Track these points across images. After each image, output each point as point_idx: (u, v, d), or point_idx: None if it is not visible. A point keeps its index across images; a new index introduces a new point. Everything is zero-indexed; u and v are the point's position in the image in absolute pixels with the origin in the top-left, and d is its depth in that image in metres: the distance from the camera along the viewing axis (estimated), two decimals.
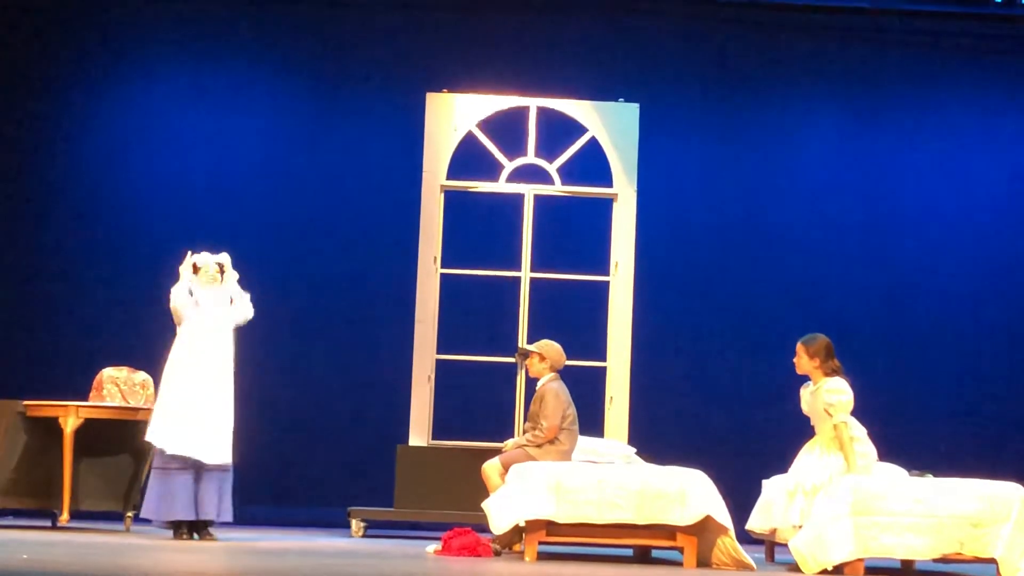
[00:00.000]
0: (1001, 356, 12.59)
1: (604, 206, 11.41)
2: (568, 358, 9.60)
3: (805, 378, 9.14)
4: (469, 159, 11.36)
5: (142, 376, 10.32)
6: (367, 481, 11.58)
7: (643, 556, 9.32)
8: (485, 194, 11.46)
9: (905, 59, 12.77)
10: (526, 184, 11.35)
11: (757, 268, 12.53)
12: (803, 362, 9.00)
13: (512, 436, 10.18)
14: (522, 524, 8.63)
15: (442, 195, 11.25)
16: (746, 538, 9.07)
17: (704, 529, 8.58)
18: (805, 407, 9.10)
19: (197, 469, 9.19)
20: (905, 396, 12.31)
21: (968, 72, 12.77)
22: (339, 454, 12.07)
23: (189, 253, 9.54)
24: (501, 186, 11.37)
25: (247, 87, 12.56)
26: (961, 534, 8.33)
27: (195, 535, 9.25)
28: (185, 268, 9.48)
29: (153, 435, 9.26)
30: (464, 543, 8.84)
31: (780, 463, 9.21)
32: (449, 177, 11.26)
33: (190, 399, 9.22)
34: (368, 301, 12.32)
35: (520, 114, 11.39)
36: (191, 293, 9.40)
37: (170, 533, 9.36)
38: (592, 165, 11.39)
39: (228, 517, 9.30)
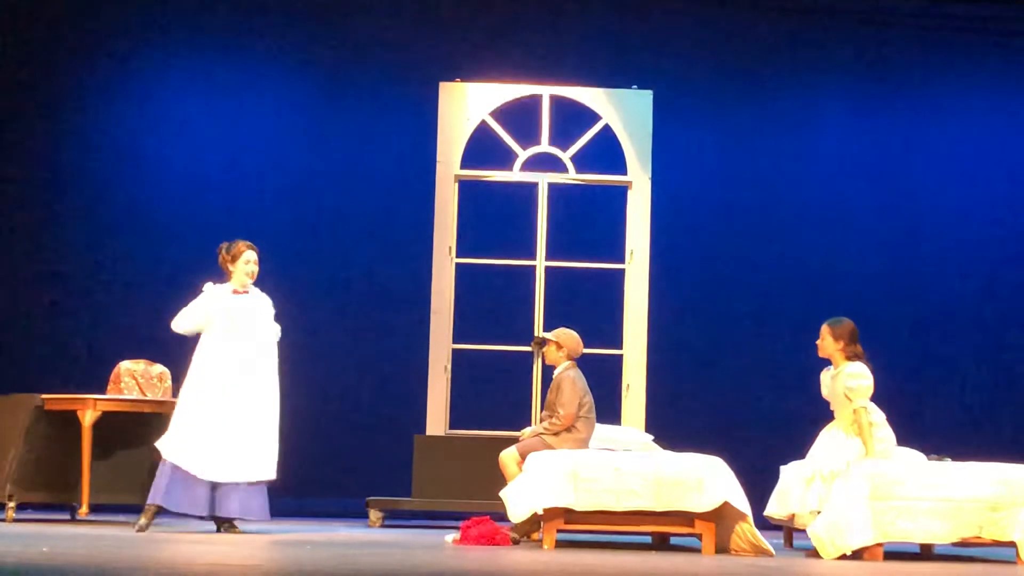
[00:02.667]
0: (1019, 340, 12.56)
1: (618, 194, 11.41)
2: (584, 346, 9.60)
3: (822, 363, 9.14)
4: (483, 148, 11.36)
5: (159, 369, 10.34)
6: (385, 471, 11.59)
7: (661, 543, 9.32)
8: (499, 183, 11.46)
9: (919, 43, 12.74)
10: (540, 173, 11.35)
11: (772, 254, 12.52)
12: (827, 344, 9.00)
13: (529, 425, 10.19)
14: (540, 512, 8.63)
15: (456, 185, 11.25)
16: (764, 524, 9.06)
17: (722, 515, 8.58)
18: (825, 391, 9.10)
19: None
20: (923, 381, 12.29)
21: (983, 55, 12.73)
22: (356, 445, 12.09)
23: (209, 284, 9.29)
24: (515, 175, 11.37)
25: (260, 78, 12.56)
26: (980, 518, 8.32)
27: (221, 528, 9.24)
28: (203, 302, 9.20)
29: (165, 445, 9.03)
30: (482, 532, 8.84)
31: (798, 449, 9.21)
32: (463, 167, 11.26)
33: (218, 417, 9.04)
34: (383, 291, 12.33)
35: (533, 103, 11.38)
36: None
37: (189, 524, 9.35)
38: (606, 153, 11.38)
39: (261, 516, 9.21)
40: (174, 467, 9.03)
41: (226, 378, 9.12)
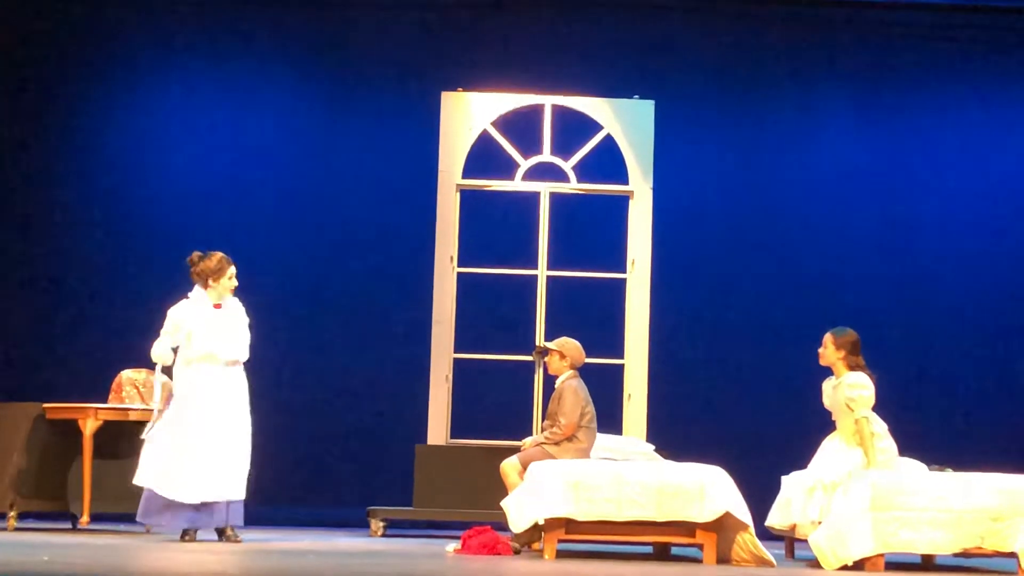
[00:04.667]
0: (1020, 349, 12.55)
1: (620, 203, 11.41)
2: (586, 356, 9.59)
3: (824, 373, 9.14)
4: (485, 158, 11.36)
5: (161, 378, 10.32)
6: (386, 481, 11.59)
7: (662, 553, 9.31)
8: (501, 193, 11.46)
9: (921, 53, 12.74)
10: (542, 182, 11.35)
11: (774, 264, 12.51)
12: (828, 352, 9.00)
13: (531, 434, 10.19)
14: (541, 522, 8.63)
15: (458, 194, 11.25)
16: (766, 534, 9.05)
17: (723, 526, 8.57)
18: (827, 401, 9.11)
19: None
20: (924, 391, 12.28)
21: (985, 65, 12.74)
22: (358, 454, 12.08)
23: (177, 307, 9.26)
24: (517, 184, 11.37)
25: (263, 88, 12.58)
26: (981, 528, 8.31)
27: (223, 538, 9.23)
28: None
29: (145, 478, 9.03)
30: (483, 542, 8.84)
31: (799, 459, 9.20)
32: (465, 176, 11.27)
33: (202, 438, 9.03)
34: (385, 301, 12.33)
35: (535, 112, 11.39)
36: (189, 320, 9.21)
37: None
38: (608, 162, 11.38)
39: (237, 520, 9.22)
40: (154, 492, 9.05)
41: (207, 398, 9.09)
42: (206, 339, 9.14)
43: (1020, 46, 12.77)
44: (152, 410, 9.21)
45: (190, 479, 8.99)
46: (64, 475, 10.07)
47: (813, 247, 12.56)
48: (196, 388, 9.10)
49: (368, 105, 12.53)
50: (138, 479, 9.10)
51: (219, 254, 9.29)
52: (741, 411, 12.28)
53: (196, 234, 11.86)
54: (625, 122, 11.30)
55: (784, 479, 9.20)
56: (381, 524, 10.67)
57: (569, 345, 9.51)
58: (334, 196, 12.48)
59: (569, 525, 8.56)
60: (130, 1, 12.57)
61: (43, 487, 10.05)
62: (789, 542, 9.39)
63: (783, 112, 12.68)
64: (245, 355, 9.25)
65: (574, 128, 11.40)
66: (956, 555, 8.41)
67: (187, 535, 9.15)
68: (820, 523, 8.57)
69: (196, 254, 9.32)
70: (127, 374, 10.32)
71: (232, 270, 9.29)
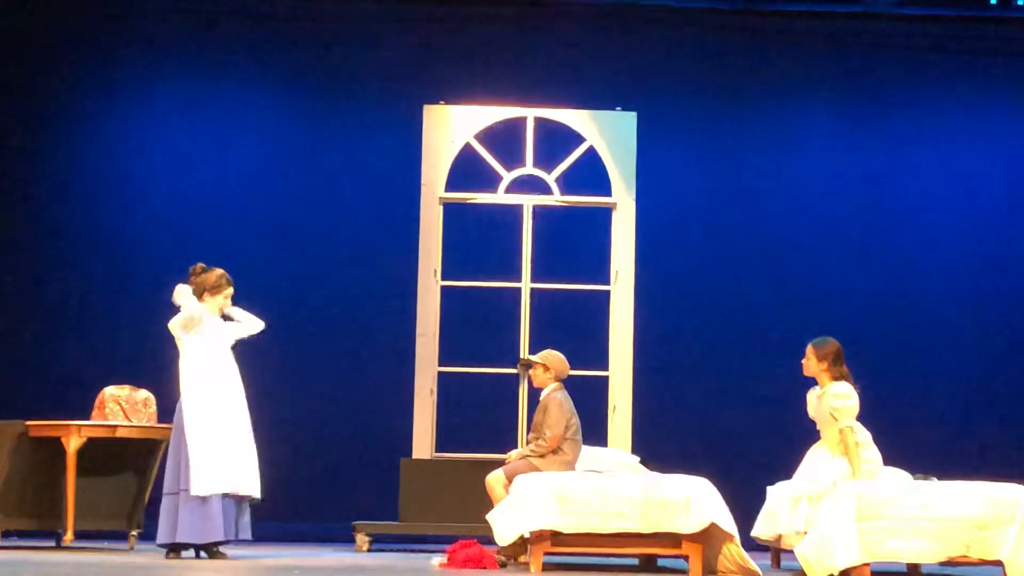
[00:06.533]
0: (1003, 358, 12.59)
1: (603, 215, 11.41)
2: (570, 368, 9.59)
3: (808, 383, 9.15)
4: (467, 171, 11.36)
5: (144, 394, 10.31)
6: (371, 495, 11.57)
7: (649, 565, 9.31)
8: (484, 205, 11.45)
9: (902, 63, 12.79)
10: (525, 195, 11.35)
11: (758, 274, 12.53)
12: (811, 364, 9.02)
13: (516, 447, 10.18)
14: (527, 535, 8.62)
15: (441, 207, 11.25)
16: (752, 545, 9.06)
17: (709, 536, 8.57)
18: (811, 411, 9.12)
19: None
20: (908, 400, 12.30)
21: (965, 75, 12.78)
22: (343, 468, 12.07)
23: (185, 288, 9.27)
24: (500, 197, 11.36)
25: (246, 103, 12.57)
26: (967, 537, 8.31)
27: (202, 554, 9.21)
28: (184, 297, 9.21)
29: (200, 486, 8.99)
30: (469, 555, 8.83)
31: (785, 469, 9.21)
32: (448, 189, 11.26)
33: (223, 434, 9.09)
34: (369, 315, 12.32)
35: (518, 125, 11.39)
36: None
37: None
38: (591, 174, 11.39)
39: (246, 535, 9.25)
40: (195, 503, 9.01)
41: (222, 397, 9.14)
42: (210, 343, 9.22)
43: (999, 56, 12.81)
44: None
45: (223, 471, 9.03)
46: (48, 493, 10.03)
47: (796, 257, 12.59)
48: (204, 390, 9.12)
49: (350, 119, 12.53)
50: (195, 489, 9.01)
51: (220, 271, 9.34)
52: (726, 422, 12.29)
53: (179, 250, 11.86)
54: (608, 134, 11.31)
55: (769, 489, 9.20)
56: (366, 539, 10.64)
57: (553, 357, 9.51)
58: (317, 210, 12.48)
59: (555, 538, 8.56)
60: (114, 18, 12.56)
61: (27, 505, 10.01)
62: (775, 552, 9.40)
63: (765, 123, 12.71)
64: (260, 322, 9.49)
65: (557, 140, 11.41)
66: (942, 564, 8.42)
67: (172, 553, 9.13)
68: (806, 533, 8.57)
69: (200, 265, 9.38)
70: (110, 391, 10.29)
71: (229, 291, 9.36)
